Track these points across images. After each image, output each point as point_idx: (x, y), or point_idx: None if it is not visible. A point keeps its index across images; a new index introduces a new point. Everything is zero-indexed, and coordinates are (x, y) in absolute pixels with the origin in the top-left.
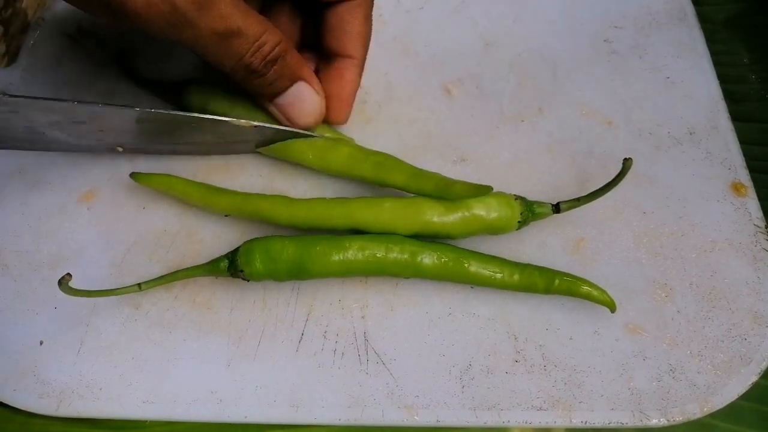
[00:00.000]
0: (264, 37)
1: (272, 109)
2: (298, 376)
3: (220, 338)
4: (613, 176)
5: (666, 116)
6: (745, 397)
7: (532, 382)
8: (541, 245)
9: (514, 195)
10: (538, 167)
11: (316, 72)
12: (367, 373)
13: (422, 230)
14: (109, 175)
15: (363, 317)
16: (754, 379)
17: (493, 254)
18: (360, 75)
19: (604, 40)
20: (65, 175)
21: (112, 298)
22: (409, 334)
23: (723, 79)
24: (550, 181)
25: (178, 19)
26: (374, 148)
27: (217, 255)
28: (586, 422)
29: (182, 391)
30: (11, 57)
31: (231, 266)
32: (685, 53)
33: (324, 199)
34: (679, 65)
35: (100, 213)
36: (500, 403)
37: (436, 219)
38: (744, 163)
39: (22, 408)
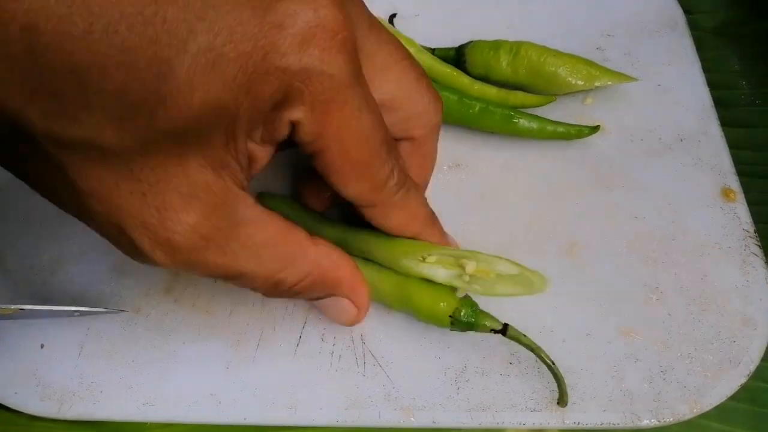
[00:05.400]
0: (284, 273)
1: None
2: (296, 378)
3: (219, 341)
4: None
5: (657, 123)
6: (736, 397)
7: (526, 383)
8: (536, 248)
9: (466, 295)
10: (533, 172)
11: None
12: (364, 376)
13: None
14: None
15: None
16: (742, 380)
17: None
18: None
19: (597, 48)
20: None
21: (112, 302)
22: (405, 337)
23: (714, 85)
24: (544, 185)
25: (183, 260)
26: None
27: None
28: (578, 423)
29: (182, 393)
30: None
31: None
32: (676, 61)
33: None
34: (670, 73)
35: None
36: (495, 405)
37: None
38: (733, 169)
39: (24, 411)
